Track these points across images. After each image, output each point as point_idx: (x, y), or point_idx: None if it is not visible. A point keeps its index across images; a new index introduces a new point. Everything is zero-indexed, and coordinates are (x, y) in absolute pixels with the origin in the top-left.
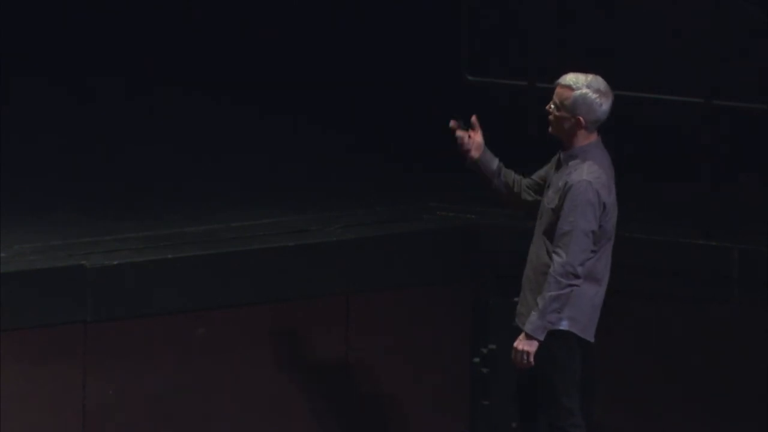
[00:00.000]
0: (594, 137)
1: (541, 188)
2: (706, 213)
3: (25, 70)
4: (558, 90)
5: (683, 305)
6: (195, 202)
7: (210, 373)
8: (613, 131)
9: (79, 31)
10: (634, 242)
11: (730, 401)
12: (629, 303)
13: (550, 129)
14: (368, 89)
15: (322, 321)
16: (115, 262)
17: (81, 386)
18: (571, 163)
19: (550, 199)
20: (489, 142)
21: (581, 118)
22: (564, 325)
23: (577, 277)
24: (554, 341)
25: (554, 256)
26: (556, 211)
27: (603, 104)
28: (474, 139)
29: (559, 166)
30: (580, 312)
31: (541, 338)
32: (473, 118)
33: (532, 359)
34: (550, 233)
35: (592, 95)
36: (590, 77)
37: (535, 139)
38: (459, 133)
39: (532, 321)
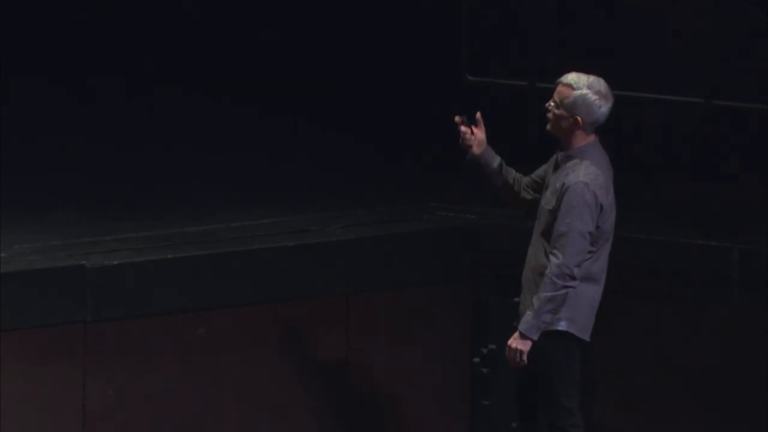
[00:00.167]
0: (592, 138)
1: (540, 187)
2: (706, 213)
3: (25, 70)
4: (559, 88)
5: (683, 305)
6: (195, 202)
7: (210, 373)
8: (613, 131)
9: (79, 31)
10: (634, 242)
11: (730, 401)
12: (629, 303)
13: (548, 126)
14: (368, 89)
15: (322, 321)
16: (115, 262)
17: (81, 386)
18: (568, 164)
19: (547, 200)
20: (489, 141)
21: (579, 119)
22: (562, 326)
23: (573, 278)
24: (553, 342)
25: (551, 257)
26: (554, 213)
27: (602, 106)
28: (477, 135)
29: (557, 167)
30: (579, 313)
31: (535, 338)
32: (477, 115)
33: (525, 358)
34: (548, 234)
35: (592, 96)
36: (592, 78)
37: (535, 139)
38: (462, 128)
39: (526, 320)
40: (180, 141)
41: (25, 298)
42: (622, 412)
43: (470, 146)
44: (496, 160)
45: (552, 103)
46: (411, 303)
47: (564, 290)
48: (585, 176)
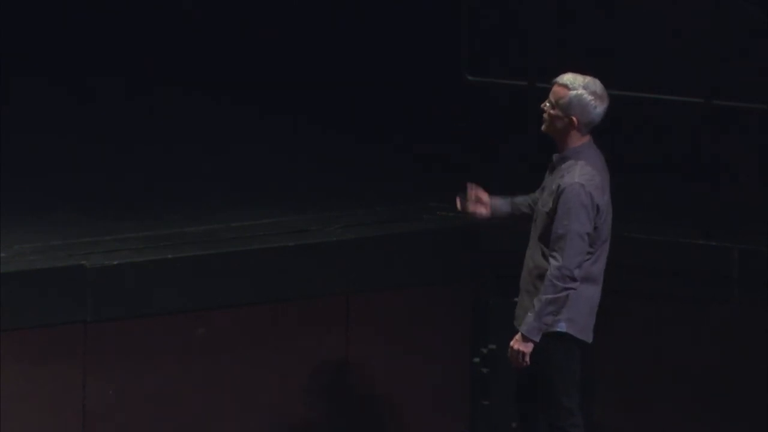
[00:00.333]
0: (587, 138)
1: None
2: (706, 213)
3: (25, 70)
4: (555, 88)
5: (683, 305)
6: (195, 202)
7: (210, 373)
8: (613, 131)
9: (79, 31)
10: (634, 242)
11: (730, 401)
12: (629, 303)
13: (543, 127)
14: (368, 89)
15: (322, 321)
16: (115, 262)
17: (81, 386)
18: (563, 165)
19: (544, 202)
20: (489, 141)
21: (575, 119)
22: (562, 327)
23: (573, 280)
24: (553, 343)
25: (551, 260)
26: (551, 215)
27: (597, 107)
28: (480, 201)
29: (552, 169)
30: (578, 313)
31: (537, 339)
32: (471, 191)
33: (528, 359)
34: (545, 236)
35: (588, 97)
36: (588, 79)
37: (535, 139)
38: (470, 207)
39: (528, 322)
40: (180, 141)
41: (25, 298)
42: (622, 412)
43: (483, 214)
44: (506, 206)
45: (547, 104)
46: (411, 303)
47: (565, 292)
48: (580, 177)
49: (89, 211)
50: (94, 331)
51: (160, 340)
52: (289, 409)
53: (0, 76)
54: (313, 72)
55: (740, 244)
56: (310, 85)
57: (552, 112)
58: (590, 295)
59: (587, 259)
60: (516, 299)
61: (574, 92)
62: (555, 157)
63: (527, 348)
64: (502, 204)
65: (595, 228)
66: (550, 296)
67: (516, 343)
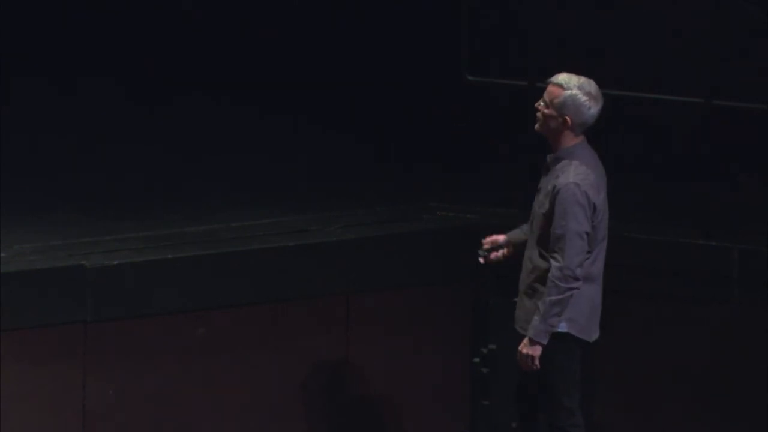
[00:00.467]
0: (580, 138)
1: None
2: (706, 213)
3: (25, 70)
4: (549, 88)
5: (683, 305)
6: (195, 202)
7: (210, 373)
8: (613, 131)
9: (79, 31)
10: (634, 242)
11: (730, 401)
12: (629, 303)
13: (536, 126)
14: (368, 89)
15: (322, 321)
16: (115, 262)
17: (81, 386)
18: (558, 166)
19: (540, 203)
20: (488, 141)
21: (568, 119)
22: (563, 327)
23: (576, 279)
24: (553, 343)
25: (552, 261)
26: (548, 216)
27: (592, 107)
28: (500, 246)
29: (547, 170)
30: (578, 313)
31: (545, 342)
32: (487, 243)
33: (537, 363)
34: (543, 237)
35: (582, 97)
36: (582, 79)
37: (534, 139)
38: (492, 258)
39: (534, 325)
40: (180, 141)
41: (25, 298)
42: (622, 412)
43: (508, 255)
44: (520, 233)
45: (542, 103)
46: (411, 303)
47: (569, 292)
48: (575, 177)
49: (89, 211)
50: (94, 331)
51: (160, 340)
52: (289, 409)
53: (0, 76)
54: (313, 72)
55: (740, 244)
56: (310, 85)
57: (546, 111)
58: (590, 294)
59: (586, 259)
60: (516, 299)
61: (568, 92)
62: (549, 157)
63: (536, 351)
64: (517, 233)
65: (593, 227)
66: (554, 297)
67: (525, 348)
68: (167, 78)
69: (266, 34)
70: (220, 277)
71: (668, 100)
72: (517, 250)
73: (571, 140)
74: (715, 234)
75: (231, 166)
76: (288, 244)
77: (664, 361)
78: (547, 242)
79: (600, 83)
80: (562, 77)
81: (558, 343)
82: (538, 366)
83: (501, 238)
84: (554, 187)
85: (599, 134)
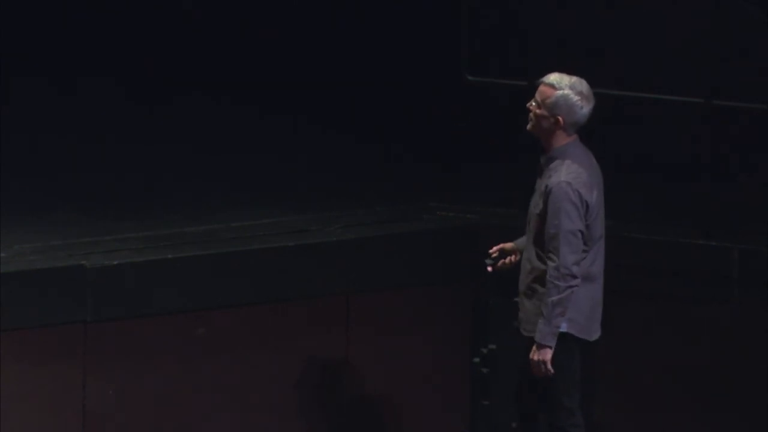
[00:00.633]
0: (573, 137)
1: None
2: (706, 213)
3: (25, 70)
4: (541, 88)
5: (683, 305)
6: (195, 202)
7: (210, 373)
8: (613, 131)
9: (79, 31)
10: (634, 242)
11: (730, 401)
12: (629, 303)
13: (528, 126)
14: (368, 89)
15: (322, 321)
16: (115, 262)
17: (81, 386)
18: (551, 166)
19: (535, 203)
20: (488, 141)
21: (560, 119)
22: (562, 327)
23: (574, 277)
24: None
25: (548, 262)
26: (542, 216)
27: (584, 107)
28: (507, 253)
29: (541, 170)
30: (578, 313)
31: (553, 344)
32: (494, 252)
33: (550, 367)
34: (539, 238)
35: (574, 97)
36: (574, 79)
37: (534, 139)
38: (499, 266)
39: (540, 330)
40: (180, 141)
41: (25, 298)
42: (622, 412)
43: (515, 261)
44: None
45: (533, 103)
46: (411, 303)
47: (568, 291)
48: (567, 176)
49: (89, 211)
50: (94, 331)
51: (160, 340)
52: (289, 409)
53: (0, 76)
54: (313, 72)
55: (740, 244)
56: (310, 85)
57: (538, 111)
58: (590, 294)
59: (582, 258)
60: (516, 299)
61: (560, 92)
62: (542, 158)
63: (546, 356)
64: (523, 240)
65: (587, 226)
66: (554, 298)
67: (535, 355)
68: (167, 78)
69: (266, 34)
70: (220, 277)
71: (668, 100)
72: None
73: (563, 140)
74: (715, 234)
75: (231, 166)
76: (288, 244)
77: (664, 361)
78: (543, 242)
79: (600, 83)
80: (553, 77)
81: (558, 343)
82: (551, 371)
83: (508, 245)
84: (547, 186)
85: (599, 134)
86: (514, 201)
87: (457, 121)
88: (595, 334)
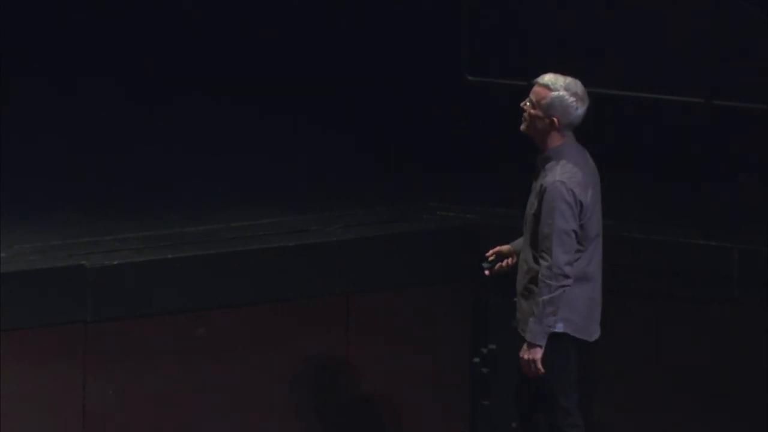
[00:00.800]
0: (567, 137)
1: None
2: (706, 213)
3: (25, 70)
4: (536, 89)
5: (683, 305)
6: (195, 202)
7: (210, 373)
8: (613, 131)
9: (79, 31)
10: (633, 242)
11: (730, 401)
12: (629, 303)
13: (522, 126)
14: (368, 89)
15: (322, 321)
16: (115, 262)
17: (81, 386)
18: (547, 166)
19: (531, 204)
20: (488, 141)
21: (555, 120)
22: (559, 327)
23: (566, 277)
24: (548, 343)
25: (540, 261)
26: (537, 215)
27: (579, 108)
28: (503, 256)
29: (537, 171)
30: (575, 313)
31: (543, 343)
32: (490, 255)
33: (540, 366)
34: (535, 238)
35: (569, 98)
36: (569, 79)
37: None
38: (496, 269)
39: (531, 329)
40: (180, 141)
41: (25, 298)
42: (622, 412)
43: (512, 264)
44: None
45: (528, 103)
46: (411, 303)
47: (560, 290)
48: (561, 175)
49: (89, 211)
50: (94, 331)
51: (160, 340)
52: (290, 408)
53: (0, 76)
54: (313, 72)
55: (740, 244)
56: (310, 85)
57: (533, 112)
58: (587, 294)
59: (578, 258)
60: (515, 299)
61: (555, 93)
62: (538, 159)
63: (536, 355)
64: (521, 242)
65: (582, 226)
66: (546, 297)
67: (525, 354)
68: (167, 78)
69: (266, 34)
70: (220, 277)
71: (668, 100)
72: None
73: (558, 140)
74: (715, 234)
75: (231, 166)
76: (288, 244)
77: (664, 361)
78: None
79: (600, 83)
80: (548, 78)
81: (553, 344)
82: (542, 370)
83: (504, 248)
84: (542, 185)
85: (599, 134)
86: (514, 201)
87: (457, 121)
88: (594, 335)
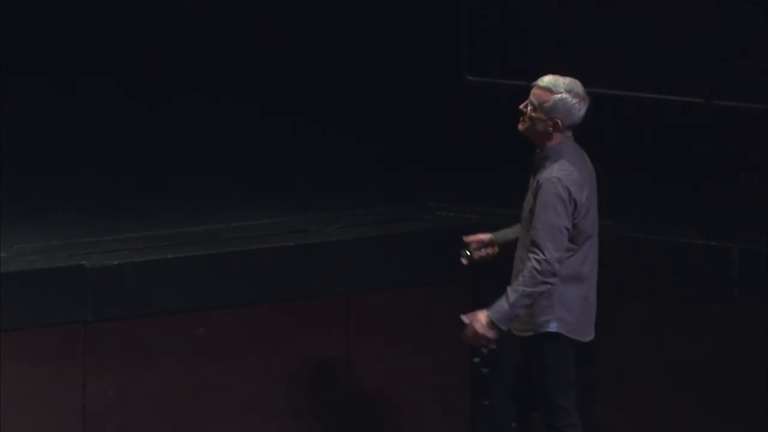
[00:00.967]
0: (566, 136)
1: None
2: (706, 213)
3: (25, 70)
4: (536, 91)
5: (683, 305)
6: (195, 202)
7: (210, 373)
8: (613, 131)
9: (79, 31)
10: (633, 242)
11: (730, 401)
12: (629, 303)
13: (521, 127)
14: (368, 89)
15: (322, 321)
16: (115, 262)
17: (81, 386)
18: (544, 164)
19: (527, 200)
20: (488, 141)
21: (559, 121)
22: (553, 327)
23: (553, 275)
24: (545, 343)
25: (530, 255)
26: (533, 212)
27: (581, 109)
28: (484, 245)
29: (534, 169)
30: (569, 313)
31: (505, 328)
32: (470, 242)
33: (491, 345)
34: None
35: (572, 100)
36: (569, 80)
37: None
38: (475, 258)
39: (499, 309)
40: (180, 141)
41: (25, 298)
42: (622, 412)
43: (491, 254)
44: (509, 232)
45: (529, 106)
46: (411, 303)
47: (543, 287)
48: (558, 172)
49: (89, 211)
50: (94, 331)
51: (160, 340)
52: (290, 409)
53: (0, 76)
54: (313, 72)
55: (740, 244)
56: (310, 85)
57: (534, 114)
58: (582, 294)
59: (570, 256)
60: None
61: (558, 96)
62: (536, 157)
63: (493, 335)
64: (504, 233)
65: (575, 224)
66: (528, 289)
67: (481, 328)
68: (167, 78)
69: (266, 34)
70: (220, 277)
71: (668, 100)
72: (503, 249)
73: (557, 139)
74: (715, 234)
75: (231, 166)
76: (288, 244)
77: (664, 361)
78: None
79: (600, 83)
80: (548, 80)
81: (549, 343)
82: (489, 345)
83: (486, 236)
84: (538, 182)
85: (599, 134)
86: (514, 201)
87: (457, 121)
88: (588, 336)
